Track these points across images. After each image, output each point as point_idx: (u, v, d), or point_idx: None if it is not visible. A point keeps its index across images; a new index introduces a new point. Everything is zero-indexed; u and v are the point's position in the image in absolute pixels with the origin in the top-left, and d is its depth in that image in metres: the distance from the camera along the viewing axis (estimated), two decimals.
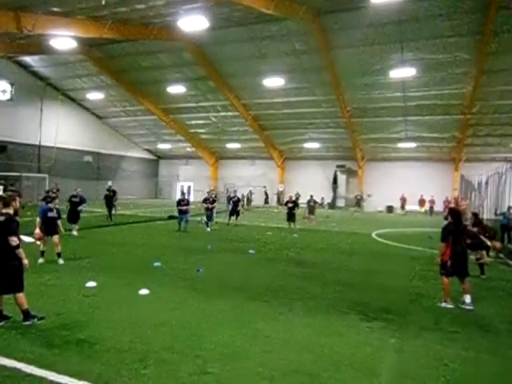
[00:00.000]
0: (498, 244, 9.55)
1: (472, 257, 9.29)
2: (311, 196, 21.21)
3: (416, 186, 32.52)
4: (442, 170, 33.05)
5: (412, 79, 22.58)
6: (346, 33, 20.29)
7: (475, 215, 10.67)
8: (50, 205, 9.67)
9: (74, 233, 13.92)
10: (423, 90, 23.85)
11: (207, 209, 17.40)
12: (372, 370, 4.34)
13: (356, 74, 23.46)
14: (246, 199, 34.23)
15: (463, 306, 6.84)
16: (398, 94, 24.78)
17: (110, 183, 22.37)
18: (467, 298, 6.86)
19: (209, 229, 16.81)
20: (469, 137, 28.51)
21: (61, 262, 9.29)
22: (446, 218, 7.40)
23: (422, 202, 32.14)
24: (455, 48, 19.90)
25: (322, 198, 36.27)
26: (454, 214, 7.26)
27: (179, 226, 16.24)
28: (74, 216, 14.23)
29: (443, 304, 6.90)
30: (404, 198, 33.40)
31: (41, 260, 9.13)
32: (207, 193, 19.02)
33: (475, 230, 9.50)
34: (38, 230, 9.20)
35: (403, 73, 21.59)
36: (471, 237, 9.26)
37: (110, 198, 18.33)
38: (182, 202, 16.32)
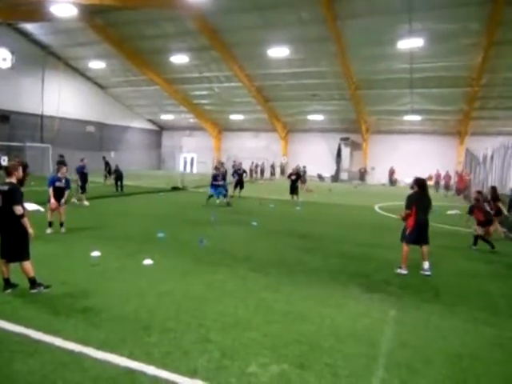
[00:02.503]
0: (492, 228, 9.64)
1: (480, 232, 9.35)
2: (303, 167, 25.93)
3: (420, 159, 32.33)
4: (447, 143, 32.76)
5: (419, 50, 22.01)
6: (353, 2, 19.65)
7: (494, 189, 10.78)
8: (59, 174, 9.64)
9: (78, 202, 14.21)
10: (430, 61, 23.29)
11: (218, 185, 16.14)
12: (372, 340, 4.42)
13: (362, 44, 22.87)
14: (255, 171, 34.28)
15: (422, 272, 7.09)
16: (405, 65, 24.23)
17: (112, 154, 22.45)
18: (425, 265, 7.12)
19: (226, 199, 16.20)
20: (476, 110, 28.05)
21: (63, 230, 9.43)
22: (412, 188, 7.48)
23: (429, 179, 31.77)
24: (465, 18, 19.28)
25: (324, 171, 36.18)
26: (420, 183, 7.32)
27: (208, 200, 15.62)
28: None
29: (398, 270, 7.13)
30: (393, 170, 33.26)
31: (48, 230, 9.21)
32: (215, 169, 17.79)
33: (486, 204, 9.51)
34: (53, 200, 9.28)
35: (411, 43, 21.03)
36: (484, 213, 9.30)
37: (120, 174, 18.99)
38: (218, 178, 15.87)
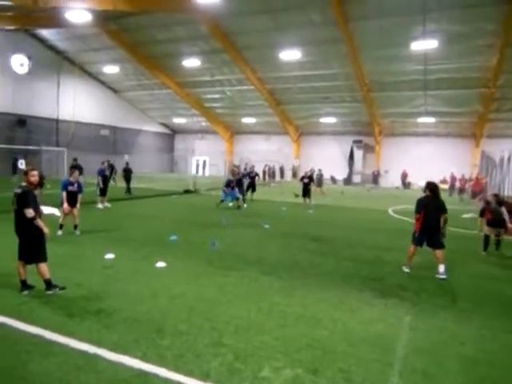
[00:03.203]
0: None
1: (487, 232, 9.24)
2: (319, 170, 25.45)
3: (434, 162, 31.89)
4: (462, 146, 32.23)
5: (434, 51, 21.73)
6: (365, 3, 19.51)
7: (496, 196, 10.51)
8: (71, 178, 9.78)
9: (103, 205, 14.54)
10: (445, 62, 22.98)
11: (232, 188, 16.16)
12: (386, 345, 4.37)
13: (375, 46, 22.69)
14: (268, 174, 34.28)
15: (437, 276, 7.07)
16: (419, 67, 23.96)
17: (126, 157, 22.63)
18: (440, 268, 7.10)
19: (245, 205, 16.47)
20: (492, 112, 27.56)
21: (77, 232, 9.61)
22: (424, 191, 7.57)
23: (443, 182, 31.08)
24: (480, 18, 18.96)
25: (336, 174, 35.97)
26: (432, 187, 7.39)
27: (220, 203, 15.80)
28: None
29: (403, 267, 7.43)
30: (406, 173, 32.86)
31: (59, 232, 9.36)
32: (232, 172, 17.78)
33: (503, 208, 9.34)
34: (66, 205, 9.44)
35: (425, 45, 20.76)
36: (492, 213, 9.16)
37: (129, 173, 18.97)
38: (232, 184, 15.96)
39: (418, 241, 7.30)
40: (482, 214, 9.53)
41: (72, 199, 9.56)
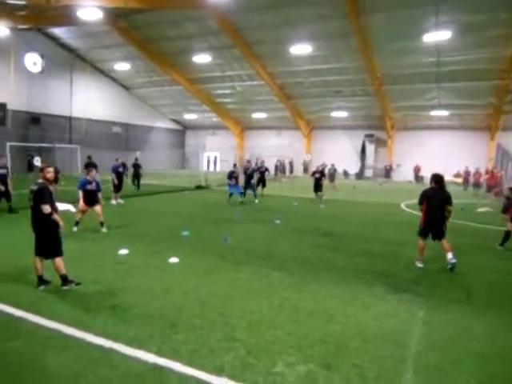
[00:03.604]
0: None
1: (510, 228, 9.04)
2: (332, 164, 25.02)
3: (448, 155, 31.46)
4: (477, 139, 31.68)
5: (447, 43, 21.34)
6: None
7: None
8: (88, 177, 9.76)
9: (117, 202, 14.80)
10: (458, 54, 22.56)
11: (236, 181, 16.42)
12: (400, 341, 4.35)
13: (387, 39, 22.38)
14: (280, 169, 34.20)
15: (448, 264, 7.08)
16: (432, 59, 23.59)
17: (138, 154, 22.77)
18: (449, 255, 7.10)
19: (257, 200, 16.62)
20: (507, 103, 27.00)
21: (104, 230, 9.63)
22: (430, 183, 7.55)
23: (457, 176, 30.46)
24: (493, 7, 18.51)
25: (348, 169, 35.74)
26: (437, 179, 7.36)
27: (230, 198, 16.13)
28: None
29: (416, 263, 7.38)
30: (418, 167, 32.45)
31: (75, 229, 9.47)
32: (245, 168, 17.79)
33: None
34: (81, 202, 9.52)
35: (438, 36, 20.37)
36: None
37: (138, 169, 19.05)
38: (234, 175, 16.07)
39: (423, 233, 7.30)
40: (505, 210, 9.25)
41: (90, 198, 9.59)
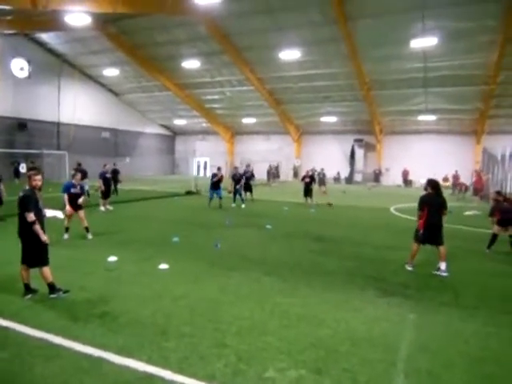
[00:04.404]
0: None
1: (502, 233, 9.16)
2: (321, 169, 25.01)
3: (436, 159, 31.86)
4: (463, 143, 32.17)
5: (433, 49, 21.67)
6: (364, 1, 19.50)
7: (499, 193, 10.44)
8: (73, 181, 9.71)
9: (105, 208, 14.65)
10: (445, 59, 22.93)
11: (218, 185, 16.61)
12: (390, 345, 4.36)
13: (374, 44, 22.65)
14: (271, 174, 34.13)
15: (437, 273, 7.12)
16: (419, 64, 23.93)
17: (127, 160, 22.63)
18: (442, 265, 7.16)
19: (243, 205, 16.73)
20: (492, 108, 27.50)
21: (89, 236, 9.51)
22: (425, 189, 7.65)
23: (445, 180, 30.55)
24: (480, 15, 18.90)
25: (338, 173, 35.99)
26: (433, 185, 7.44)
27: (210, 201, 16.20)
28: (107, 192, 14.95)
29: (406, 266, 7.50)
30: (406, 171, 32.84)
31: (65, 236, 9.36)
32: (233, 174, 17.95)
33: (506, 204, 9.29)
34: (68, 207, 9.35)
35: (424, 42, 20.65)
36: (501, 212, 9.08)
37: (116, 175, 18.88)
38: (215, 177, 16.25)
39: (421, 238, 7.30)
40: (492, 213, 9.39)
41: (75, 202, 9.49)
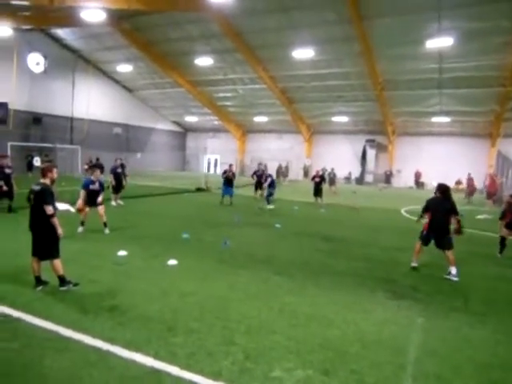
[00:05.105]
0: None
1: (504, 234, 9.04)
2: (332, 169, 25.67)
3: (449, 161, 31.47)
4: (477, 145, 31.70)
5: (449, 49, 21.40)
6: (380, 1, 19.31)
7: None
8: (92, 177, 9.76)
9: (116, 203, 14.76)
10: (460, 60, 22.61)
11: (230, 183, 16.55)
12: (399, 347, 4.32)
13: (389, 44, 22.44)
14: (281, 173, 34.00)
15: (448, 277, 7.00)
16: (434, 65, 23.64)
17: (138, 155, 22.77)
18: (452, 270, 7.05)
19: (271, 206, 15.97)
20: (508, 111, 27.02)
21: (106, 231, 9.58)
22: (435, 193, 7.67)
23: (458, 183, 29.78)
24: (496, 15, 18.59)
25: (349, 173, 35.79)
26: (442, 189, 7.47)
27: (222, 198, 16.27)
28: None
29: (411, 263, 7.56)
30: (419, 173, 32.44)
31: (80, 229, 9.44)
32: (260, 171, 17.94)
33: None
34: (80, 201, 9.43)
35: (440, 43, 20.45)
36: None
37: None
38: (223, 175, 16.44)
39: (424, 239, 7.39)
40: (503, 216, 9.23)
41: (93, 198, 9.53)
